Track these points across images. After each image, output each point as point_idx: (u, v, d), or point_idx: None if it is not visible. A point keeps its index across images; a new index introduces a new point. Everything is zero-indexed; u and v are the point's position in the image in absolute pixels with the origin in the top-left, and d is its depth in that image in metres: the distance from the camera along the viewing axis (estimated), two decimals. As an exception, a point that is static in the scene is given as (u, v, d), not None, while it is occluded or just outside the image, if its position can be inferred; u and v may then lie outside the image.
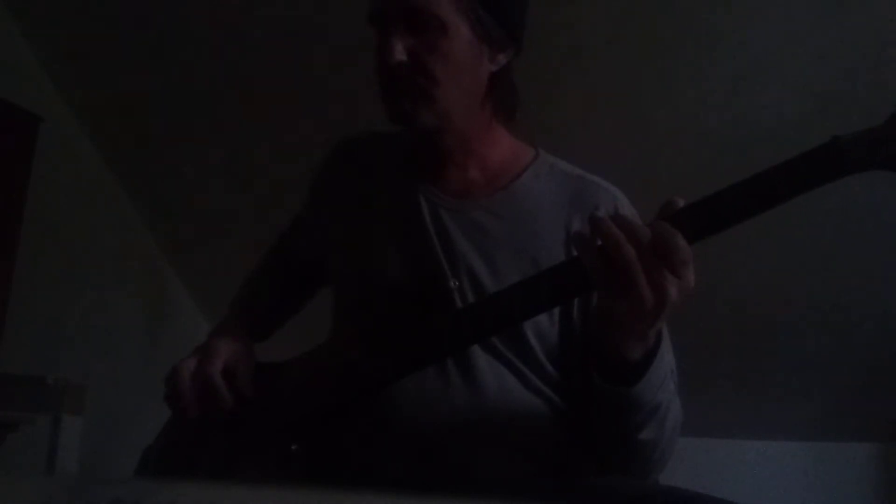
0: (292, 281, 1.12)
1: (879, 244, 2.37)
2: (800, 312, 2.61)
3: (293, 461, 0.85)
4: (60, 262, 2.64)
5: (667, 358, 0.78)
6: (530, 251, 0.88)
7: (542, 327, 0.86)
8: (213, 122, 2.64)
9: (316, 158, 1.07)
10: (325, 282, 1.06)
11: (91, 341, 2.76)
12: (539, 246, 0.88)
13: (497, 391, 0.84)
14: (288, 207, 1.13)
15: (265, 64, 2.41)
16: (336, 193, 1.01)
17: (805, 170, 0.68)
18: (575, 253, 0.72)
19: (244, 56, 2.41)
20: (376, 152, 1.01)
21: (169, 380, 0.92)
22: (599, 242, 0.68)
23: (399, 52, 0.84)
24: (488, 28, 0.86)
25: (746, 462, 2.99)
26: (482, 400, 0.83)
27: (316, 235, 1.03)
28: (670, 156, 2.29)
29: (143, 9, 2.34)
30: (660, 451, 0.82)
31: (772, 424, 2.99)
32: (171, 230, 3.14)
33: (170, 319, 3.20)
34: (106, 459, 2.69)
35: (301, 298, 1.14)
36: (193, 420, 0.90)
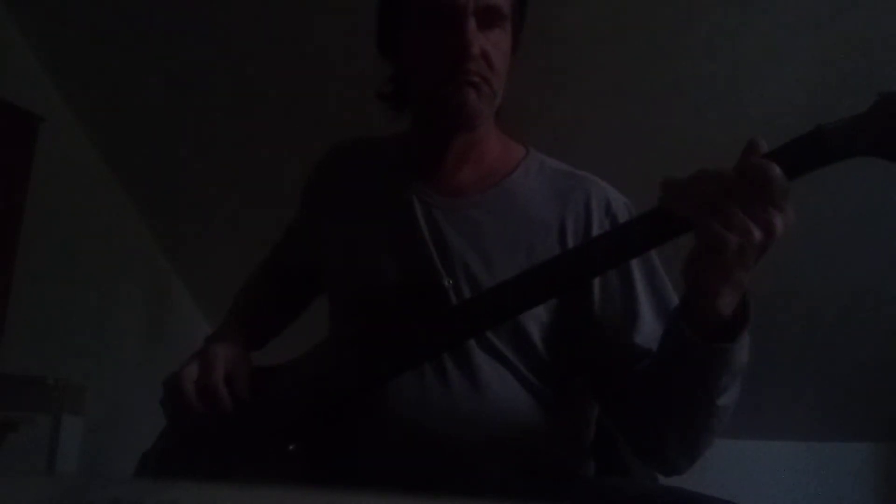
0: (288, 289, 1.12)
1: (879, 244, 2.37)
2: (799, 312, 2.61)
3: (291, 461, 0.85)
4: (60, 262, 2.64)
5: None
6: (524, 246, 0.88)
7: (542, 322, 0.86)
8: (212, 122, 2.64)
9: (315, 159, 1.07)
10: (321, 289, 1.07)
11: (91, 341, 2.76)
12: (533, 240, 0.89)
13: (496, 390, 0.84)
14: (288, 208, 1.13)
15: (265, 64, 2.41)
16: (329, 197, 1.01)
17: (790, 158, 0.68)
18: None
19: (244, 56, 2.41)
20: (368, 156, 1.02)
21: (170, 386, 0.92)
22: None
23: (478, 45, 0.84)
24: (519, 27, 0.91)
25: (746, 462, 2.99)
26: (481, 399, 0.84)
27: (310, 240, 1.04)
28: (669, 156, 2.29)
29: (142, 9, 2.34)
30: (724, 424, 0.77)
31: (772, 424, 2.99)
32: (171, 230, 3.14)
33: (170, 319, 3.20)
34: (106, 459, 2.69)
35: (297, 307, 1.14)
36: (190, 424, 0.90)
